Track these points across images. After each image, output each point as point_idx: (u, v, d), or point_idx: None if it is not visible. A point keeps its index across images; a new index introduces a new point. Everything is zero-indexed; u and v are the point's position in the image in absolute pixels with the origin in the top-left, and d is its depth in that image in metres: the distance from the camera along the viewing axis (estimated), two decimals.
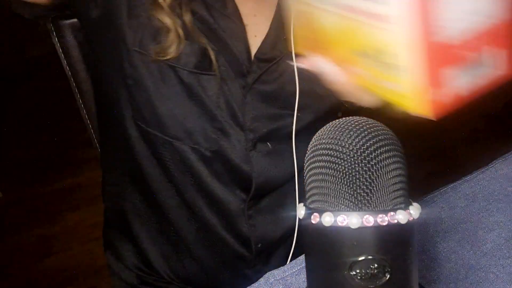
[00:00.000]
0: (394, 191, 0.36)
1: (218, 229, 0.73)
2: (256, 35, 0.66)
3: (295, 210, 0.72)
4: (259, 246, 0.74)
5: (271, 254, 0.77)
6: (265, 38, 0.65)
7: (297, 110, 0.67)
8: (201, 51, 0.62)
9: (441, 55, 0.35)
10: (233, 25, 0.64)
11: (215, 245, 0.74)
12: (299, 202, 0.68)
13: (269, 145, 0.69)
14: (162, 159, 0.67)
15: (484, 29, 0.36)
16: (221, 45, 0.63)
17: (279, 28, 0.65)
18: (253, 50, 0.66)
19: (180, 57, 0.61)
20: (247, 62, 0.64)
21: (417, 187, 0.55)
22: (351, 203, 0.35)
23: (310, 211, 0.37)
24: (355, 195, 0.35)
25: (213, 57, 0.62)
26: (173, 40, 0.60)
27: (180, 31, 0.60)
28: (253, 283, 0.63)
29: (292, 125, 0.67)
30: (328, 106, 0.71)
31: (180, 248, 0.75)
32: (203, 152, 0.66)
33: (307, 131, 0.68)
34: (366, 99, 0.47)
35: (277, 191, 0.72)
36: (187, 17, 0.60)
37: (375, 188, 0.35)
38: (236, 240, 0.73)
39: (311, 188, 0.38)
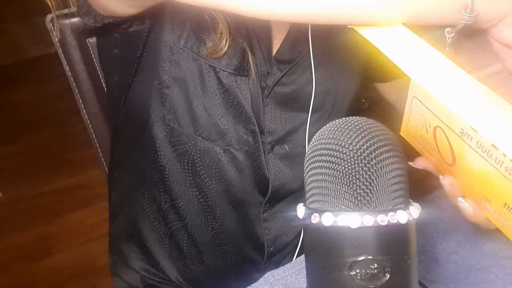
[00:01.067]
0: (394, 191, 0.36)
1: (234, 234, 0.72)
2: (275, 37, 0.66)
3: None
4: (271, 249, 0.74)
5: (281, 260, 0.77)
6: (284, 39, 0.65)
7: (315, 111, 0.67)
8: (241, 52, 0.61)
9: None
10: (264, 25, 0.63)
11: (228, 249, 0.74)
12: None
13: (286, 148, 0.69)
14: (191, 162, 0.67)
15: None
16: (250, 46, 0.62)
17: (297, 30, 0.65)
18: (273, 52, 0.65)
19: (222, 57, 0.60)
20: (268, 63, 0.64)
21: (417, 187, 0.55)
22: (351, 203, 0.35)
23: (310, 211, 0.37)
24: (355, 195, 0.35)
25: (251, 59, 0.61)
26: (223, 37, 0.58)
27: (227, 29, 0.58)
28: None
29: (311, 127, 0.67)
30: (346, 106, 0.71)
31: (190, 253, 0.75)
32: (235, 154, 0.66)
33: None
34: (490, 227, 0.48)
35: (293, 195, 0.72)
36: (232, 15, 0.58)
37: (375, 188, 0.35)
38: (249, 244, 0.73)
39: (311, 188, 0.38)
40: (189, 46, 0.60)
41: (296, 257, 0.75)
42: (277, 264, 0.77)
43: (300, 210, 0.38)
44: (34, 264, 1.75)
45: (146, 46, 0.61)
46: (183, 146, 0.65)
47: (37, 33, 2.93)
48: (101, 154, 0.89)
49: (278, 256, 0.76)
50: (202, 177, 0.67)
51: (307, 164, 0.38)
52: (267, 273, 0.65)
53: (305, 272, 0.39)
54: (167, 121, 0.64)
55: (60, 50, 0.79)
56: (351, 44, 0.69)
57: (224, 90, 0.62)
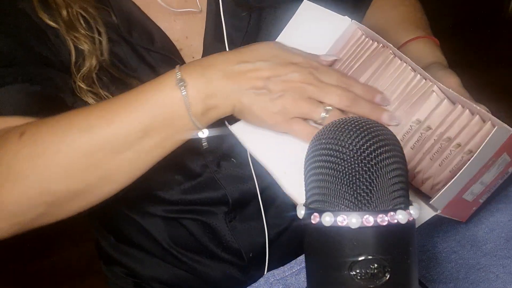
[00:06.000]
0: (394, 191, 0.36)
1: (208, 245, 0.73)
2: (193, 56, 0.66)
3: (280, 215, 0.71)
4: (251, 255, 0.74)
5: (263, 259, 0.77)
6: (203, 56, 0.66)
7: None
8: None
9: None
10: (165, 58, 0.64)
11: (208, 258, 0.74)
12: (265, 211, 0.69)
13: (234, 161, 0.68)
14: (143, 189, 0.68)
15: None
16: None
17: (214, 43, 0.66)
18: None
19: None
20: None
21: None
22: (351, 203, 0.35)
23: (310, 211, 0.37)
24: (355, 195, 0.35)
25: None
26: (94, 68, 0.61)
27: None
28: (246, 286, 0.63)
29: None
30: None
31: (173, 258, 0.75)
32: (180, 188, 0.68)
33: None
34: None
35: (257, 200, 0.71)
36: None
37: (375, 188, 0.35)
38: (226, 253, 0.73)
39: (311, 188, 0.38)
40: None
41: (270, 258, 0.74)
42: (260, 266, 0.76)
43: (300, 210, 0.38)
44: (32, 264, 1.75)
45: None
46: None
47: None
48: None
49: (260, 258, 0.76)
50: (157, 195, 0.69)
51: (306, 164, 0.38)
52: (267, 273, 0.66)
53: (305, 272, 0.40)
54: None
55: None
56: None
57: None
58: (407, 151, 0.50)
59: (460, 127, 0.50)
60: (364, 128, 0.36)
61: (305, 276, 0.39)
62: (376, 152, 0.35)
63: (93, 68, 0.59)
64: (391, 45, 0.55)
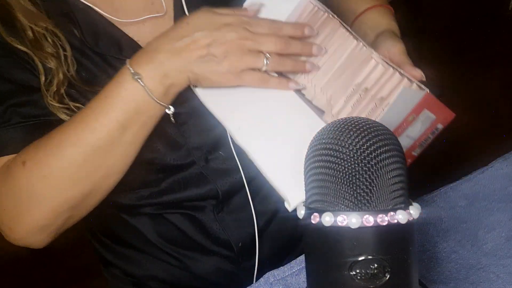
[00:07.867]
0: (394, 191, 0.36)
1: (197, 238, 0.73)
2: None
3: (266, 204, 0.72)
4: (240, 245, 0.74)
5: (253, 250, 0.76)
6: None
7: None
8: None
9: None
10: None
11: (198, 252, 0.74)
12: (252, 200, 0.71)
13: (222, 154, 0.69)
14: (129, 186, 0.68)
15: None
16: None
17: None
18: None
19: None
20: None
21: (417, 187, 0.55)
22: (351, 203, 0.35)
23: (310, 211, 0.37)
24: (355, 195, 0.35)
25: None
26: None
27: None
28: (240, 279, 0.63)
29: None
30: None
31: (165, 255, 0.75)
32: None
33: None
34: None
35: (245, 189, 0.72)
36: None
37: (375, 188, 0.35)
38: (216, 245, 0.73)
39: (311, 188, 0.38)
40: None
41: (260, 247, 0.74)
42: (251, 257, 0.76)
43: (300, 210, 0.38)
44: (34, 264, 1.76)
45: None
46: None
47: None
48: None
49: (250, 248, 0.75)
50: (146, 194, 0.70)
51: (306, 164, 0.38)
52: (267, 273, 0.65)
53: (305, 272, 0.40)
54: None
55: None
56: None
57: None
58: (347, 109, 0.56)
59: (391, 88, 0.54)
60: (364, 128, 0.36)
61: (305, 276, 0.39)
62: (376, 152, 0.35)
63: (61, 83, 0.62)
64: (337, 17, 0.60)
